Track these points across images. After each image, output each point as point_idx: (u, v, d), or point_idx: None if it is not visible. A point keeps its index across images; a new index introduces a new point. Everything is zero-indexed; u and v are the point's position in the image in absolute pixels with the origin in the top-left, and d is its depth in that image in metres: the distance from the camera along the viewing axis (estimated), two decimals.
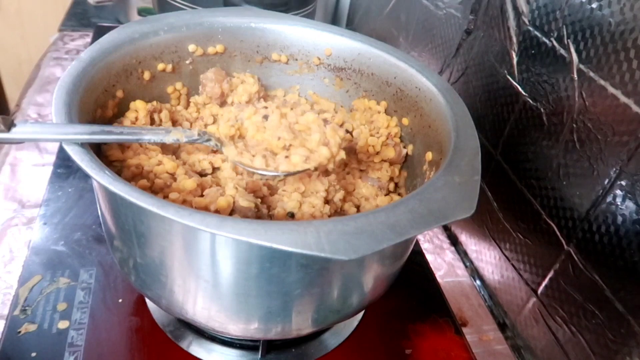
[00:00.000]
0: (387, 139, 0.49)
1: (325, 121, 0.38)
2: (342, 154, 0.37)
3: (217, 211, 0.35)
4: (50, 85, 0.83)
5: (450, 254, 0.65)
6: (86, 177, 0.62)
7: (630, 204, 0.39)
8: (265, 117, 0.39)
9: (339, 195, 0.42)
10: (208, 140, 0.38)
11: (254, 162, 0.35)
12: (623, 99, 0.39)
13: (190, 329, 0.47)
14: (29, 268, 0.50)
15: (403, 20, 0.79)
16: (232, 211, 0.36)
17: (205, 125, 0.48)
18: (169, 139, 0.36)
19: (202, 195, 0.37)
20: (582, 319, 0.45)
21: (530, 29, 0.49)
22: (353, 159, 0.48)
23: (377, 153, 0.48)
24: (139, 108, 0.43)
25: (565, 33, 0.45)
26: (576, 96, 0.44)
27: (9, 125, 0.31)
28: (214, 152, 0.43)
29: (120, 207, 0.34)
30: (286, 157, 0.36)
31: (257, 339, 0.45)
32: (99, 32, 0.95)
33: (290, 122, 0.38)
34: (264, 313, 0.36)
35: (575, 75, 0.44)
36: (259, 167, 0.35)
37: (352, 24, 1.05)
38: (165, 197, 0.36)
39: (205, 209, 0.35)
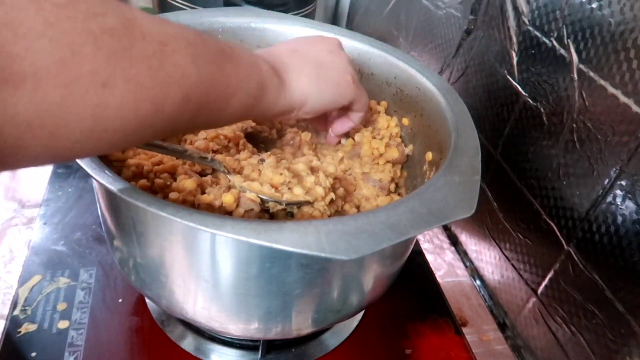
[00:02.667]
0: (390, 139, 0.49)
1: (313, 169, 0.42)
2: (332, 195, 0.40)
3: (221, 207, 0.35)
4: None
5: (450, 254, 0.65)
6: (86, 177, 0.62)
7: (630, 204, 0.39)
8: (262, 160, 0.41)
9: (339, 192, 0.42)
10: (217, 165, 0.40)
11: (263, 188, 0.37)
12: (623, 99, 0.39)
13: (190, 329, 0.47)
14: (29, 268, 0.51)
15: (403, 20, 0.79)
16: (237, 206, 0.36)
17: None
18: (185, 155, 0.39)
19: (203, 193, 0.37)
20: (582, 319, 0.45)
21: (530, 29, 0.49)
22: (357, 163, 0.48)
23: (381, 155, 0.48)
24: None
25: (565, 33, 0.45)
26: (576, 96, 0.44)
27: None
28: (214, 152, 0.43)
29: (120, 207, 0.34)
30: (289, 188, 0.38)
31: (257, 339, 0.45)
32: None
33: (284, 166, 0.41)
34: (264, 313, 0.36)
35: (575, 75, 0.44)
36: (267, 193, 0.36)
37: (352, 24, 1.05)
38: (165, 197, 0.36)
39: (209, 205, 0.35)
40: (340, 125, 0.45)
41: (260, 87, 0.30)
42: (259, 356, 0.46)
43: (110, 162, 0.38)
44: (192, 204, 0.36)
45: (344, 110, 0.43)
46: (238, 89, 0.28)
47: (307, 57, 0.37)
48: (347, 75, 0.38)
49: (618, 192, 0.40)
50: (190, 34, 0.25)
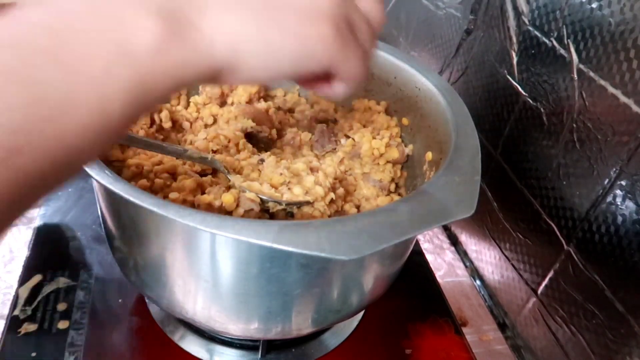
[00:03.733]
0: (390, 139, 0.49)
1: (313, 169, 0.42)
2: (332, 195, 0.39)
3: (221, 207, 0.35)
4: None
5: (450, 254, 0.65)
6: (86, 177, 0.62)
7: (630, 204, 0.39)
8: (262, 160, 0.41)
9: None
10: (217, 165, 0.40)
11: (262, 188, 0.37)
12: (623, 99, 0.39)
13: (190, 329, 0.47)
14: (29, 268, 0.50)
15: (403, 20, 0.79)
16: (237, 206, 0.36)
17: (205, 126, 0.48)
18: (185, 155, 0.39)
19: (203, 193, 0.37)
20: (582, 319, 0.45)
21: (530, 29, 0.49)
22: (357, 163, 0.48)
23: (381, 155, 0.48)
24: None
25: (565, 33, 0.45)
26: (576, 96, 0.44)
27: None
28: (214, 152, 0.43)
29: (121, 207, 0.34)
30: (289, 189, 0.38)
31: (257, 339, 0.45)
32: None
33: (284, 166, 0.41)
34: (264, 313, 0.36)
35: (575, 75, 0.44)
36: (267, 193, 0.36)
37: None
38: (165, 197, 0.36)
39: (209, 205, 0.35)
40: (320, 89, 0.28)
41: (140, 85, 0.18)
42: (259, 356, 0.46)
43: (110, 162, 0.38)
44: (192, 204, 0.36)
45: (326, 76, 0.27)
46: (86, 132, 0.17)
47: None
48: (322, 25, 0.22)
49: (618, 192, 0.40)
50: None
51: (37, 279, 0.49)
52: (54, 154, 0.16)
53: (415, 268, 0.59)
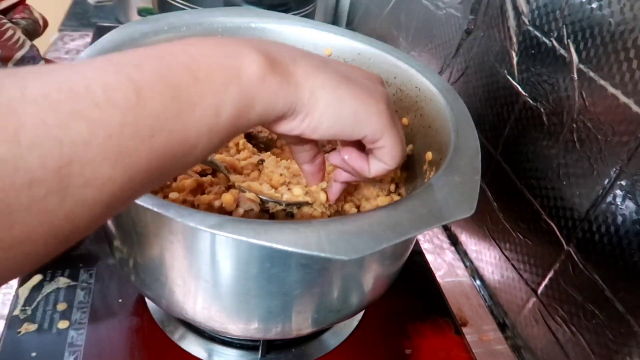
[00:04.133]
0: None
1: None
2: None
3: (221, 207, 0.35)
4: None
5: (450, 254, 0.65)
6: None
7: (630, 204, 0.39)
8: (262, 160, 0.41)
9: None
10: (218, 165, 0.40)
11: (262, 188, 0.37)
12: (623, 99, 0.39)
13: (190, 329, 0.47)
14: None
15: (403, 20, 0.79)
16: (237, 206, 0.36)
17: None
18: None
19: (203, 193, 0.37)
20: (582, 319, 0.45)
21: (530, 29, 0.49)
22: None
23: None
24: None
25: (565, 33, 0.45)
26: (576, 96, 0.44)
27: None
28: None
29: None
30: (288, 189, 0.38)
31: (257, 339, 0.45)
32: (99, 32, 0.95)
33: (284, 166, 0.41)
34: (264, 313, 0.36)
35: (575, 75, 0.44)
36: (267, 193, 0.36)
37: (352, 24, 1.05)
38: (165, 197, 0.36)
39: (209, 205, 0.35)
40: (354, 160, 0.33)
41: (244, 103, 0.24)
42: (259, 356, 0.46)
43: None
44: (192, 204, 0.36)
45: (362, 147, 0.33)
46: (202, 130, 0.22)
47: (329, 64, 0.28)
48: (381, 102, 0.29)
49: (618, 192, 0.40)
50: (116, 83, 0.19)
51: (37, 279, 0.49)
52: (178, 141, 0.21)
53: (415, 268, 0.59)
